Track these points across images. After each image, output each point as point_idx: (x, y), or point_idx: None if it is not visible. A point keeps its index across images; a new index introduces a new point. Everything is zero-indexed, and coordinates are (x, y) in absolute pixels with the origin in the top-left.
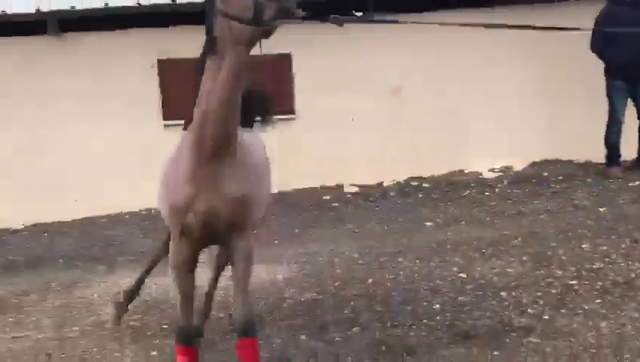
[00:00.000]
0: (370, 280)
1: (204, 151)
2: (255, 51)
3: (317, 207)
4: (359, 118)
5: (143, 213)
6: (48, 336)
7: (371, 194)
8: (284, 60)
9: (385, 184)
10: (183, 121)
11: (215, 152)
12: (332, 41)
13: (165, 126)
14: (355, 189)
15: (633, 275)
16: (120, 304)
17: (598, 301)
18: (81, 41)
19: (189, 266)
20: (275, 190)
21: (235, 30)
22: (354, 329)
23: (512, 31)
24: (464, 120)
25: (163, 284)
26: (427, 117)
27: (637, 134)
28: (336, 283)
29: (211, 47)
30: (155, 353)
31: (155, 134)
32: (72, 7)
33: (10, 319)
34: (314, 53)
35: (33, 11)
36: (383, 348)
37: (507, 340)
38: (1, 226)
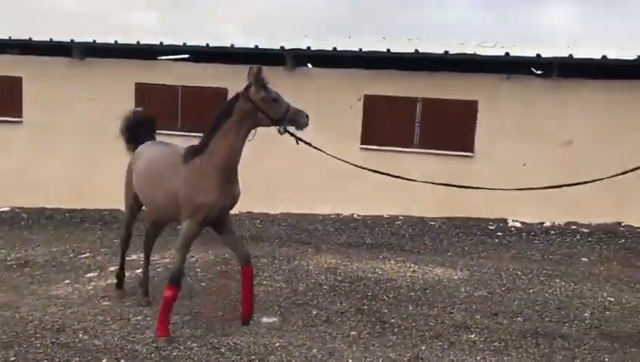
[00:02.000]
0: (531, 290)
1: (228, 171)
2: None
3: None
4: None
5: (332, 216)
6: (281, 286)
7: (532, 229)
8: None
9: (545, 224)
10: None
11: (233, 172)
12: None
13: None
14: (517, 224)
15: None
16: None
17: None
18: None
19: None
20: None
21: (261, 117)
22: (518, 318)
23: None
24: (629, 178)
25: None
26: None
27: None
28: (503, 288)
29: (228, 115)
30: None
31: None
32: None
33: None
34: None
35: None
36: (542, 332)
37: None
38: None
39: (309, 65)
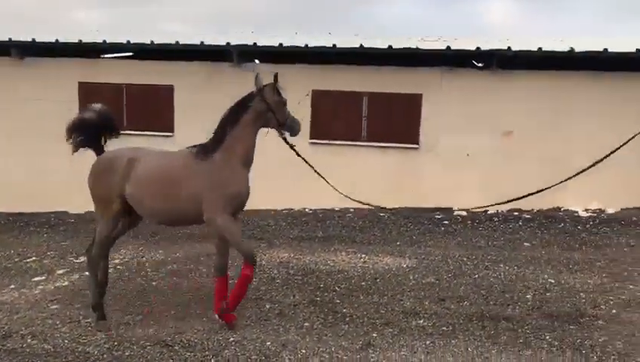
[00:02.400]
0: (476, 276)
1: (247, 166)
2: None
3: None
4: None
5: (284, 211)
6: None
7: (477, 217)
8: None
9: (489, 212)
10: None
11: (249, 167)
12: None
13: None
14: (463, 213)
15: None
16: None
17: None
18: None
19: None
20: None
21: (270, 118)
22: (464, 302)
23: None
24: (565, 164)
25: None
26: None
27: None
28: (450, 275)
29: (243, 112)
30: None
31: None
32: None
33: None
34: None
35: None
36: (487, 315)
37: (581, 320)
38: None
39: (257, 61)
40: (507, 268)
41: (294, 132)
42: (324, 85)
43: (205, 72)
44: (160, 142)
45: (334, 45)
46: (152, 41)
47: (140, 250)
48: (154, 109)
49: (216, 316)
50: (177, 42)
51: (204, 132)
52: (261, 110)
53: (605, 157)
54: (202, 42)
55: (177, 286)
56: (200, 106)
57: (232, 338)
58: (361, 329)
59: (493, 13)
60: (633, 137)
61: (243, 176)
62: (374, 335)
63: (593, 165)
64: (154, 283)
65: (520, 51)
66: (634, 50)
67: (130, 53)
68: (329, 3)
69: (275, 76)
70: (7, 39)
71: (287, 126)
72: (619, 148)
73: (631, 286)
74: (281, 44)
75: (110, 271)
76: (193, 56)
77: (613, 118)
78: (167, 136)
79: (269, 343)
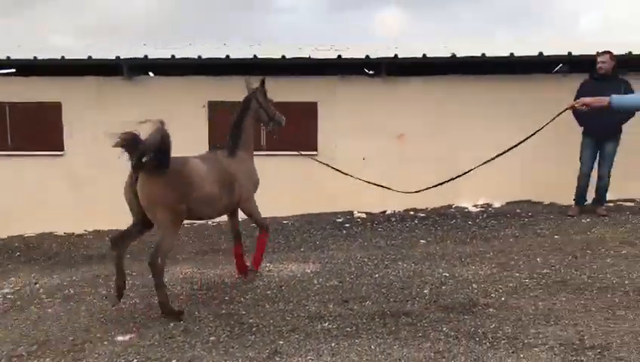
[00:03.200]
0: (377, 275)
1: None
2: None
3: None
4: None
5: (185, 225)
6: (135, 302)
7: (376, 218)
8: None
9: (387, 212)
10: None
11: None
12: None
13: None
14: (363, 215)
15: (568, 277)
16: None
17: (540, 291)
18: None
19: None
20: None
21: (262, 114)
22: (367, 302)
23: (503, 96)
24: (454, 163)
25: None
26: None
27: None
28: (352, 276)
29: (245, 112)
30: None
31: None
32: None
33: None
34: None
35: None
36: (388, 312)
37: (474, 310)
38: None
39: (151, 73)
40: (405, 265)
41: (282, 124)
42: (220, 96)
43: (95, 87)
44: (49, 162)
45: (228, 56)
46: (35, 57)
47: (33, 276)
48: (41, 128)
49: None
50: (63, 57)
51: (97, 148)
52: (256, 109)
53: (505, 152)
54: (90, 57)
55: (75, 311)
56: (91, 123)
57: (135, 360)
58: (267, 337)
59: (382, 22)
60: (533, 135)
61: (254, 165)
62: (281, 342)
63: (493, 159)
64: (49, 310)
65: (405, 58)
66: (508, 54)
67: (12, 70)
68: (223, 14)
69: (262, 80)
70: None
71: (275, 120)
72: (517, 144)
73: (517, 274)
74: (173, 56)
75: None
76: (82, 72)
77: (495, 120)
78: (57, 155)
79: (174, 361)
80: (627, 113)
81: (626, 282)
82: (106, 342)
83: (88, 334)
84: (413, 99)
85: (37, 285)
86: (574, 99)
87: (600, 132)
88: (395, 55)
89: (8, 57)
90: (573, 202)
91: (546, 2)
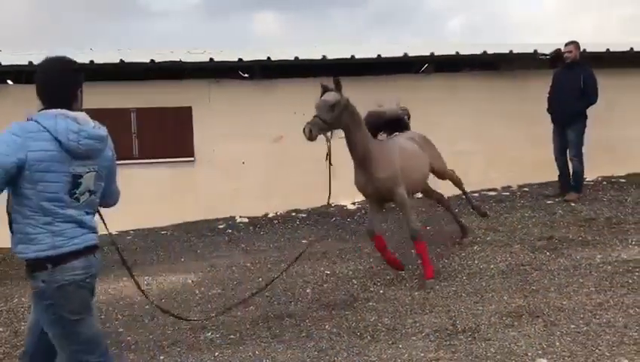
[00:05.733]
0: (260, 279)
1: None
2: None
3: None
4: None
5: None
6: None
7: (258, 222)
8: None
9: (269, 215)
10: None
11: None
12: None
13: None
14: (245, 219)
15: (440, 266)
16: None
17: (416, 281)
18: None
19: None
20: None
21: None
22: (251, 307)
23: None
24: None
25: None
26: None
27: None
28: (235, 282)
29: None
30: None
31: None
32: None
33: None
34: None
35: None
36: (272, 315)
37: (355, 305)
38: None
39: (9, 81)
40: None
41: None
42: (89, 103)
43: None
44: None
45: (92, 62)
46: None
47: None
48: None
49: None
50: None
51: None
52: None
53: None
54: None
55: None
56: None
57: None
58: (147, 354)
59: (260, 25)
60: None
61: None
62: (162, 357)
63: None
64: None
65: (279, 60)
66: (375, 55)
67: None
68: (89, 18)
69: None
70: None
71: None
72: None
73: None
74: (31, 63)
75: None
76: None
77: None
78: None
79: None
80: (588, 100)
81: (492, 266)
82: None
83: None
84: (288, 100)
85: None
86: (550, 87)
87: (562, 117)
88: (268, 57)
89: None
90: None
91: (415, 6)
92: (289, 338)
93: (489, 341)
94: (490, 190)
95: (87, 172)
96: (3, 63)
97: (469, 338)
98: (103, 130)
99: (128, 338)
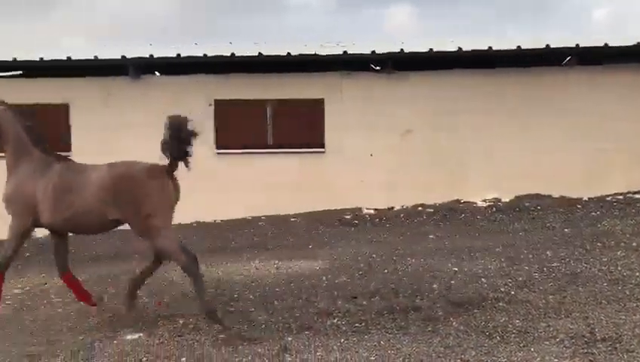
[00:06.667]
0: (385, 271)
1: None
2: None
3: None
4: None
5: (194, 224)
6: (144, 301)
7: (384, 214)
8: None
9: (395, 208)
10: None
11: None
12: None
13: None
14: (371, 211)
15: (578, 270)
16: None
17: (550, 284)
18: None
19: None
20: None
21: None
22: (375, 298)
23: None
24: (463, 160)
25: None
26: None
27: None
28: (360, 272)
29: None
30: None
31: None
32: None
33: (117, 295)
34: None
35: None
36: (397, 307)
37: (483, 304)
38: None
39: (157, 73)
40: (414, 260)
41: None
42: (227, 95)
43: (102, 87)
44: None
45: (233, 54)
46: (41, 58)
47: (43, 276)
48: (48, 130)
49: None
50: (69, 58)
51: (104, 149)
52: None
53: None
54: (96, 57)
55: (85, 311)
56: (98, 123)
57: (145, 359)
58: (276, 334)
59: (394, 18)
60: None
61: None
62: (290, 339)
63: None
64: (59, 309)
65: (412, 53)
66: (515, 47)
67: (19, 72)
68: (229, 13)
69: None
70: None
71: None
72: None
73: (526, 268)
74: (179, 55)
75: (9, 302)
76: (89, 72)
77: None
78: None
79: (183, 359)
80: None
81: (637, 274)
82: (115, 341)
83: (98, 333)
84: (420, 94)
85: (47, 285)
86: None
87: None
88: (401, 50)
89: (15, 59)
90: None
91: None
92: (414, 331)
93: (632, 353)
94: (636, 192)
95: None
96: (155, 56)
97: (609, 348)
98: None
99: (259, 317)
